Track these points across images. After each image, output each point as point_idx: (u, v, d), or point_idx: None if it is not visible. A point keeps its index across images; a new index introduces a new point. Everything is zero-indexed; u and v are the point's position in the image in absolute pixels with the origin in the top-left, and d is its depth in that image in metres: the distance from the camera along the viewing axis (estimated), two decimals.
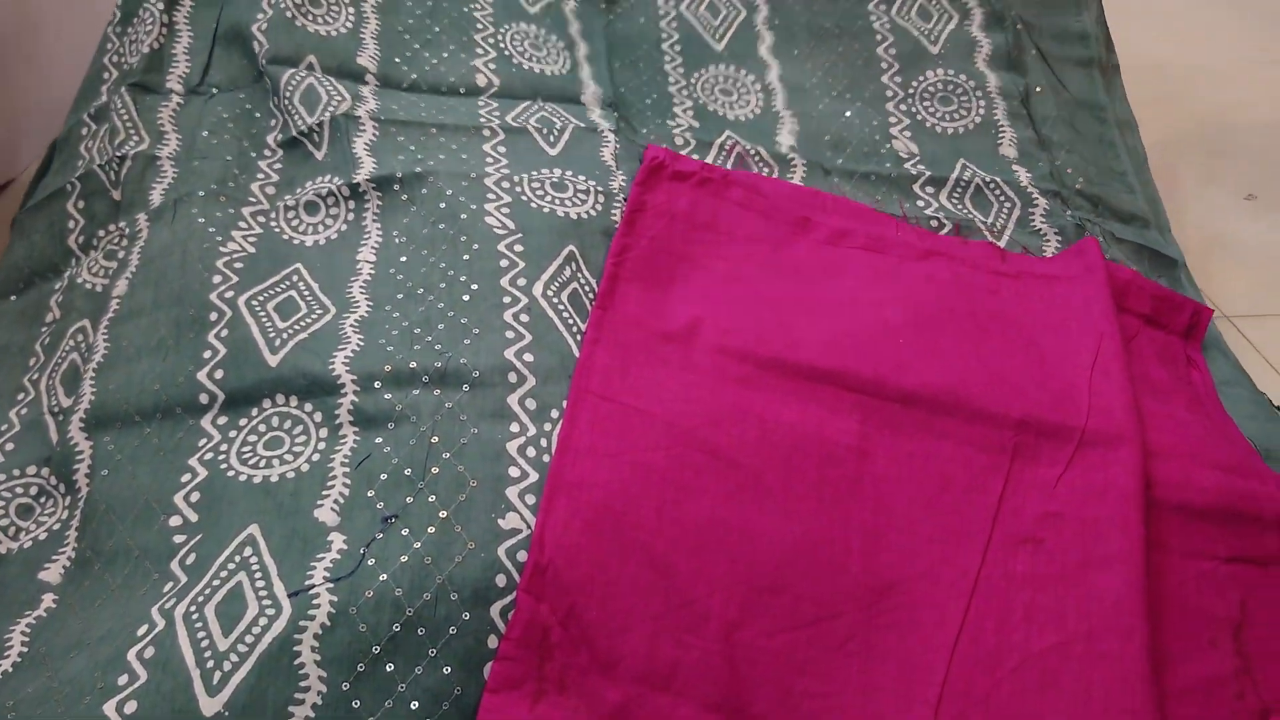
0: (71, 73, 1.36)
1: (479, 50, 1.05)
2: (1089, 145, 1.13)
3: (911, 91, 1.14)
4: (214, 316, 0.81)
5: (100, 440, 0.77)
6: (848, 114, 1.10)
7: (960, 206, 1.03)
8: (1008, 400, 0.80)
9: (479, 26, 1.07)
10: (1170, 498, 0.77)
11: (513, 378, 0.75)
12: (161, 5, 1.05)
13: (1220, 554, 0.76)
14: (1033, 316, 0.90)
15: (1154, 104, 1.63)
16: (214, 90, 1.01)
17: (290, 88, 0.97)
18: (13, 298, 0.96)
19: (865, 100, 1.12)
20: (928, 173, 1.05)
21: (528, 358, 0.76)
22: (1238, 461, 0.80)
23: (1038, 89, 1.15)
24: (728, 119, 1.10)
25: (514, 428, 0.72)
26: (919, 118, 1.12)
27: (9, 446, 0.83)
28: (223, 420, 0.76)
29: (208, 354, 0.79)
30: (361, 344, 0.78)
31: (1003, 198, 1.05)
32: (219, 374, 0.78)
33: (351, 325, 0.80)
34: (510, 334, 0.77)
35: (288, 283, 0.85)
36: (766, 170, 1.04)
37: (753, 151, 1.05)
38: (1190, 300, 0.97)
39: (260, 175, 0.94)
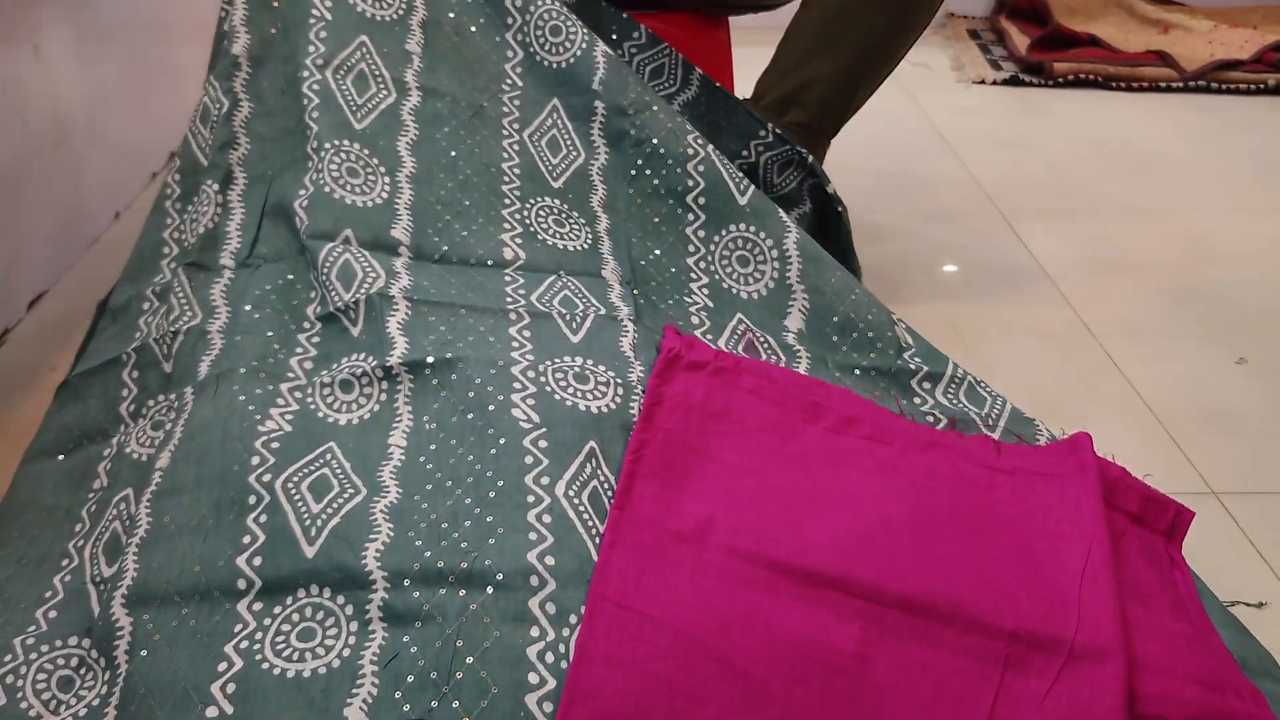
0: (58, 218, 1.43)
1: (506, 225, 1.11)
2: None
3: None
4: (252, 500, 0.85)
5: (140, 618, 0.81)
6: (856, 292, 1.16)
7: (955, 401, 1.09)
8: (1001, 609, 0.85)
9: (506, 202, 1.14)
10: (1151, 712, 0.81)
11: (534, 581, 0.79)
12: (217, 186, 1.11)
13: None
14: (1027, 517, 0.95)
15: (1150, 257, 1.70)
16: (260, 262, 1.07)
17: (328, 265, 1.03)
18: (60, 457, 1.01)
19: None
20: (925, 368, 1.11)
21: (549, 560, 0.80)
22: (1218, 676, 0.84)
23: None
24: (740, 298, 1.15)
25: (534, 632, 0.77)
26: None
27: (52, 614, 0.87)
28: (258, 606, 0.81)
29: (246, 539, 0.83)
30: (392, 534, 0.82)
31: (995, 394, 1.10)
32: (257, 560, 0.82)
33: (382, 511, 0.85)
34: (533, 535, 0.82)
35: (321, 461, 0.90)
36: (774, 359, 1.09)
37: (762, 339, 1.10)
38: (1173, 501, 1.02)
39: (299, 349, 1.00)
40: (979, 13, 2.93)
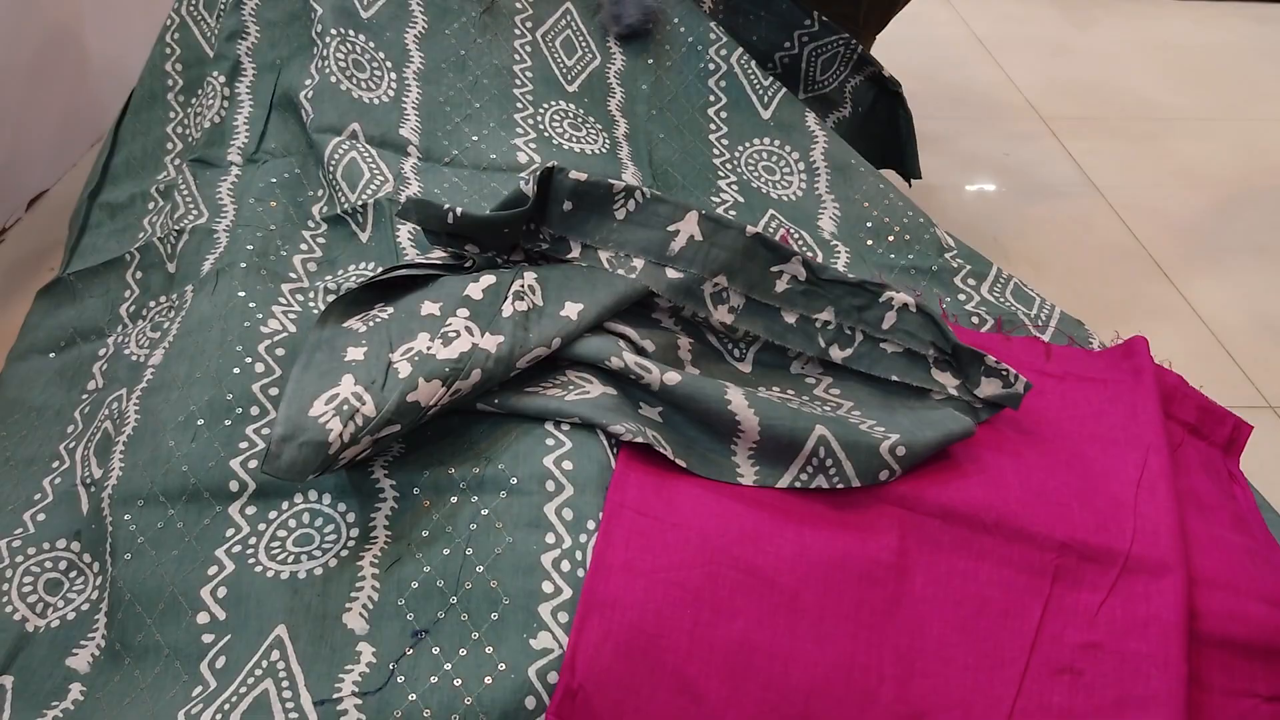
0: (60, 115, 1.37)
1: (519, 130, 1.04)
2: None
3: None
4: (255, 411, 0.80)
5: (121, 519, 0.76)
6: (890, 197, 1.09)
7: (1002, 300, 1.02)
8: (1050, 519, 0.78)
9: (519, 105, 1.06)
10: (1214, 630, 0.75)
11: (550, 486, 0.73)
12: (224, 78, 1.05)
13: (1261, 692, 0.74)
14: (1078, 424, 0.88)
15: (1202, 167, 1.62)
16: (268, 157, 1.01)
17: (334, 161, 0.96)
18: (52, 355, 0.96)
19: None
20: (967, 266, 1.04)
21: (566, 465, 0.75)
22: None
23: None
24: (771, 197, 1.08)
25: (549, 538, 0.71)
26: None
27: (40, 517, 0.83)
28: (251, 510, 0.75)
29: (244, 445, 0.78)
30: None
31: (1043, 297, 1.03)
32: (252, 464, 0.77)
33: None
34: (550, 441, 0.76)
35: None
36: (811, 254, 1.02)
37: (797, 236, 1.04)
38: (1231, 413, 0.95)
39: (303, 247, 0.94)
40: None
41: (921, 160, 1.35)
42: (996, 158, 1.63)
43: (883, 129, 1.33)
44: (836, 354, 0.90)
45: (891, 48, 1.45)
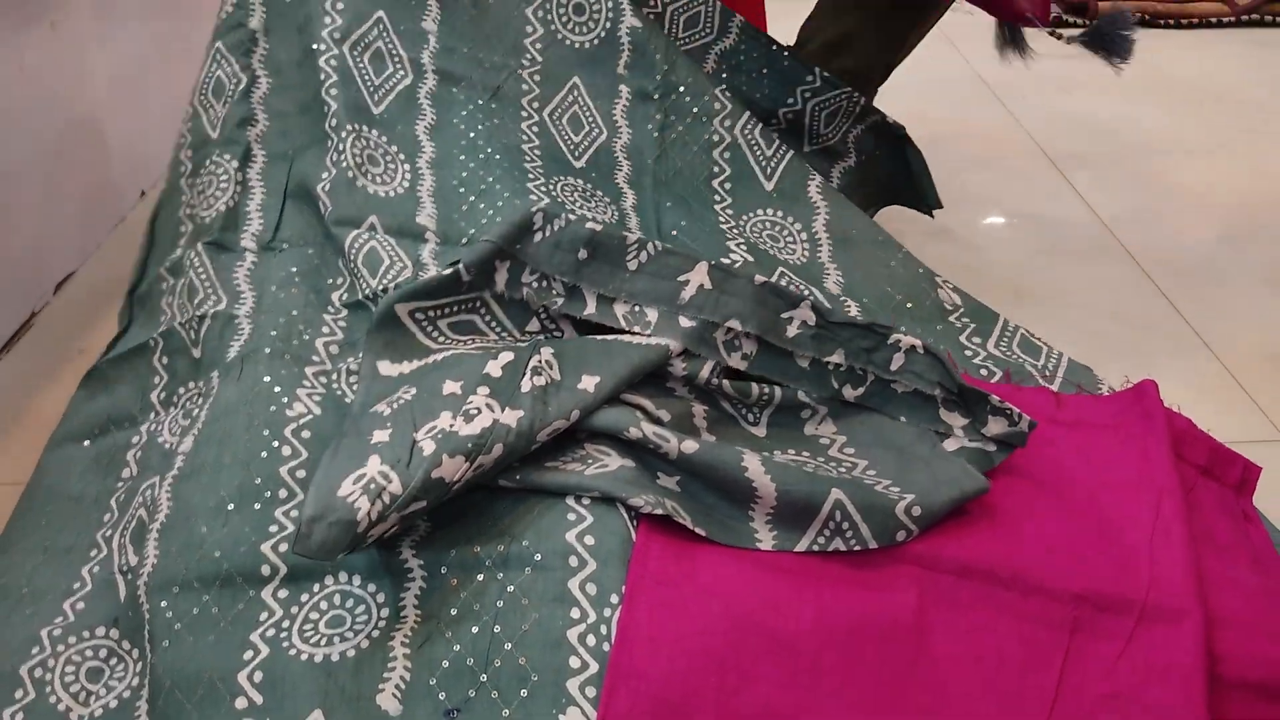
0: (84, 199, 1.40)
1: (533, 198, 1.06)
2: None
3: None
4: (284, 494, 0.82)
5: (158, 606, 0.78)
6: (892, 264, 1.11)
7: (1009, 353, 1.03)
8: (1066, 571, 0.80)
9: (530, 176, 1.09)
10: (1235, 674, 0.76)
11: (574, 561, 0.75)
12: (236, 163, 1.08)
13: None
14: (1091, 472, 0.90)
15: (1208, 199, 1.63)
16: (284, 245, 1.04)
17: (354, 249, 0.99)
18: (87, 443, 0.99)
19: (909, 249, 1.13)
20: (973, 324, 1.06)
21: (589, 540, 0.76)
22: None
23: None
24: (778, 259, 1.11)
25: (574, 613, 0.73)
26: None
27: (80, 605, 0.85)
28: (284, 594, 0.77)
29: (274, 528, 0.80)
30: (429, 528, 0.79)
31: (1050, 346, 1.05)
32: (283, 547, 0.79)
33: None
34: (571, 515, 0.78)
35: None
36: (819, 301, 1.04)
37: (807, 292, 1.06)
38: (1241, 455, 0.96)
39: (325, 330, 0.96)
40: None
41: None
42: (1003, 197, 1.65)
43: (891, 170, 1.36)
44: (849, 393, 0.93)
45: (895, 91, 1.48)
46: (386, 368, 0.89)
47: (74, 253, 1.46)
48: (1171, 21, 2.38)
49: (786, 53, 1.28)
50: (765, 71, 1.27)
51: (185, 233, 1.09)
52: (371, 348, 0.90)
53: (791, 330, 0.92)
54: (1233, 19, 2.37)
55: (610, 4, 1.18)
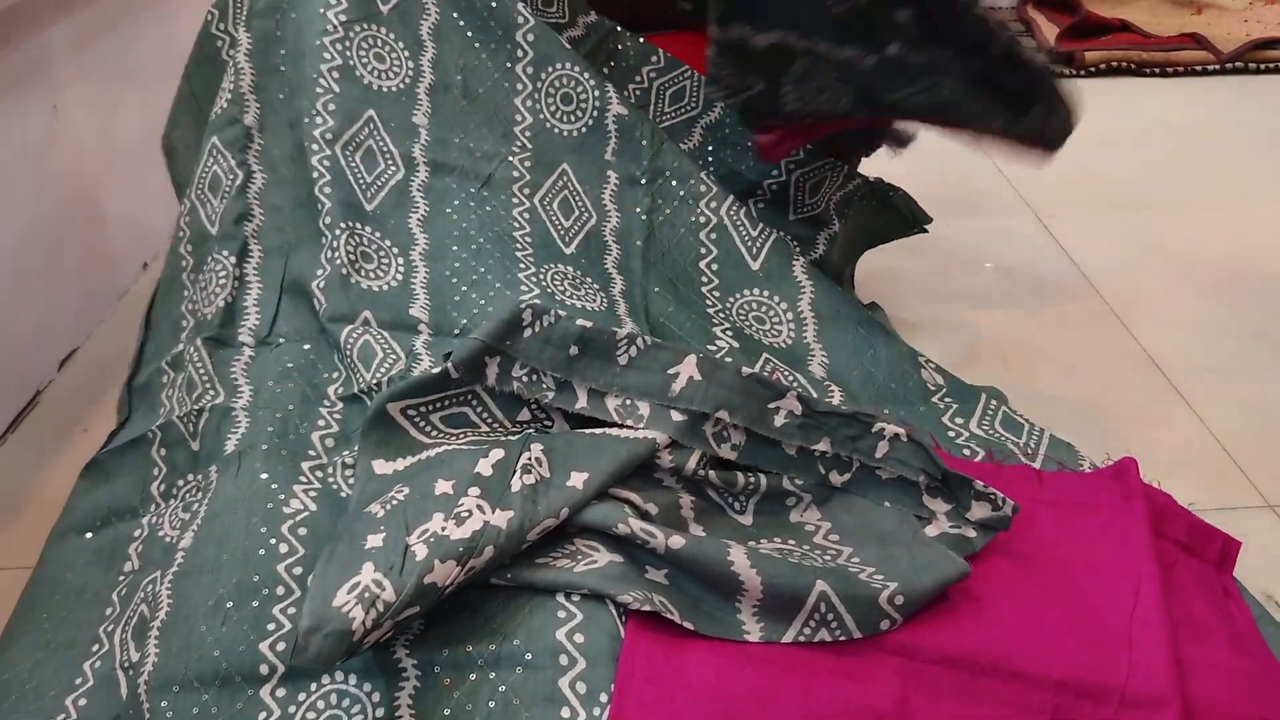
0: (85, 274, 1.43)
1: (524, 288, 1.09)
2: None
3: None
4: (281, 591, 0.84)
5: (158, 705, 0.79)
6: (875, 347, 1.14)
7: (992, 432, 1.06)
8: (1046, 657, 0.82)
9: (521, 266, 1.11)
10: None
11: (564, 660, 0.77)
12: (234, 259, 1.11)
13: None
14: (1072, 553, 0.92)
15: (1194, 253, 1.65)
16: (281, 340, 1.06)
17: (349, 344, 1.02)
18: (89, 535, 1.01)
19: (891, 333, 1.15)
20: (955, 405, 1.08)
21: (578, 639, 0.78)
22: None
23: None
24: (763, 343, 1.13)
25: (565, 713, 0.75)
26: None
27: (82, 702, 0.87)
28: (281, 693, 0.79)
29: (272, 626, 0.82)
30: (423, 625, 0.81)
31: (1032, 423, 1.07)
32: (280, 646, 0.81)
33: None
34: (562, 613, 0.80)
35: None
36: (806, 393, 1.06)
37: (791, 378, 1.08)
38: (1219, 530, 0.98)
39: (321, 424, 0.99)
40: (1005, 3, 2.87)
41: (912, 262, 1.40)
42: (990, 254, 1.67)
43: (872, 218, 1.39)
44: (836, 479, 0.95)
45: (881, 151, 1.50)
46: (381, 466, 0.91)
47: (77, 329, 1.49)
48: (1157, 70, 2.41)
49: None
50: (750, 145, 1.30)
51: (186, 327, 1.11)
52: (365, 447, 0.92)
53: (778, 420, 0.95)
54: (1218, 66, 2.39)
55: (597, 94, 1.21)
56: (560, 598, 0.81)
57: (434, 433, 0.94)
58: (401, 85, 1.16)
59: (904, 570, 0.85)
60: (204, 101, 1.23)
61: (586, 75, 1.22)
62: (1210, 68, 2.40)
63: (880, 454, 0.94)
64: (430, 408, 0.95)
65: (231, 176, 1.14)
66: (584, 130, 1.22)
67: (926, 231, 1.42)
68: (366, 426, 0.93)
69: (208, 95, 1.22)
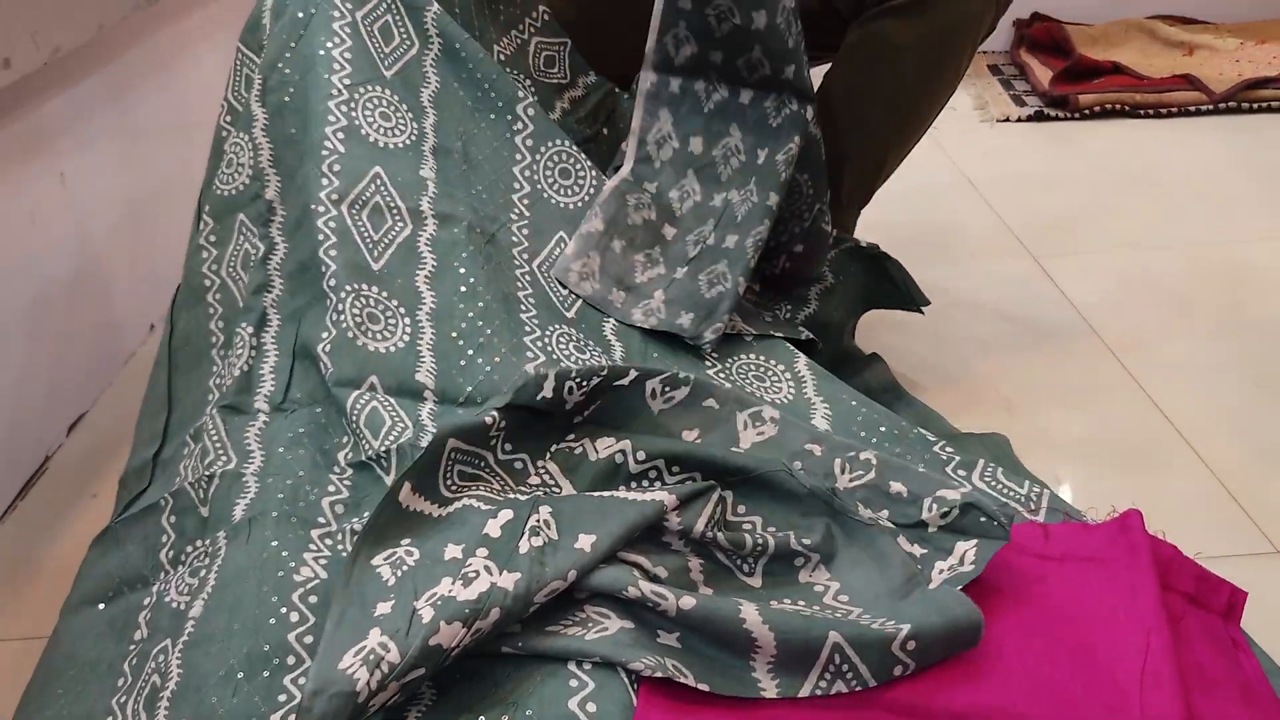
0: (93, 338, 1.44)
1: (529, 353, 1.10)
2: None
3: None
4: (292, 660, 0.85)
5: None
6: (873, 405, 1.15)
7: (994, 484, 1.06)
8: (1057, 715, 0.82)
9: (527, 329, 1.13)
10: None
11: None
12: (252, 329, 1.12)
13: None
14: (1081, 608, 0.92)
15: (1193, 294, 1.66)
16: (295, 406, 1.08)
17: (356, 411, 1.03)
18: (101, 606, 1.01)
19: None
20: (957, 457, 1.09)
21: (590, 708, 0.79)
22: None
23: None
24: (766, 399, 1.14)
25: None
26: None
27: None
28: None
29: (282, 697, 0.83)
30: (434, 697, 0.81)
31: (1033, 477, 1.07)
32: (291, 718, 0.81)
33: None
34: (574, 682, 0.80)
35: None
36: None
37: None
38: (1226, 581, 0.98)
39: (331, 490, 0.99)
40: (999, 47, 2.91)
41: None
42: (990, 300, 1.68)
43: (869, 281, 1.41)
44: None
45: (881, 196, 1.51)
46: (406, 494, 0.92)
47: (85, 393, 1.50)
48: (1150, 111, 2.43)
49: None
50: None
51: (211, 400, 1.12)
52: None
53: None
54: (1211, 106, 2.41)
55: (594, 174, 1.24)
56: (572, 666, 0.81)
57: (453, 486, 0.95)
58: (408, 142, 1.17)
59: (914, 613, 0.86)
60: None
61: (583, 158, 1.26)
62: (1204, 108, 2.41)
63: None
64: (464, 457, 0.96)
65: (256, 251, 1.16)
66: (580, 205, 1.24)
67: (922, 313, 1.44)
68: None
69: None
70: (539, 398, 0.99)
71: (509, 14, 1.31)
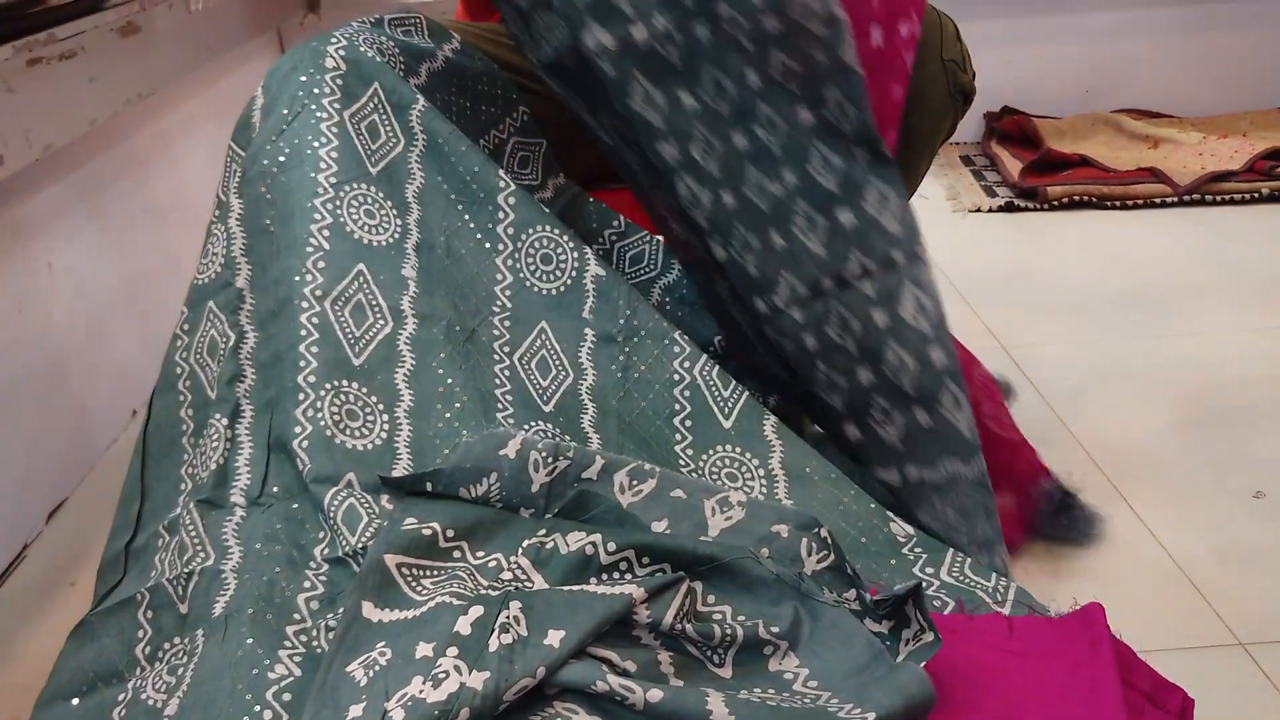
0: (73, 424, 1.45)
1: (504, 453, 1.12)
2: None
3: None
4: None
5: None
6: (844, 502, 1.17)
7: (961, 578, 1.08)
8: None
9: (500, 427, 1.14)
10: None
11: None
12: (226, 421, 1.13)
13: None
14: (1044, 704, 0.94)
15: (1157, 386, 1.69)
16: (272, 501, 1.09)
17: (333, 508, 1.04)
18: (75, 701, 1.02)
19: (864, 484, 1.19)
20: (925, 555, 1.11)
21: None
22: None
23: None
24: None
25: None
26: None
27: None
28: None
29: None
30: None
31: (1000, 571, 1.10)
32: None
33: None
34: None
35: None
36: None
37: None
38: (1179, 687, 1.00)
39: (306, 585, 1.01)
40: (970, 138, 2.98)
41: None
42: None
43: None
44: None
45: None
46: (370, 610, 0.94)
47: (65, 479, 1.51)
48: (1117, 203, 2.49)
49: None
50: (703, 303, 1.36)
51: (184, 490, 1.13)
52: (360, 588, 0.94)
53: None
54: (1176, 198, 2.48)
55: (576, 256, 1.26)
56: None
57: (423, 591, 0.96)
58: (391, 239, 1.19)
59: (877, 697, 0.88)
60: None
61: (566, 238, 1.27)
62: (1169, 200, 2.48)
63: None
64: (423, 572, 0.97)
65: (225, 339, 1.17)
66: (562, 290, 1.26)
67: None
68: (364, 572, 0.95)
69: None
70: (500, 453, 1.02)
71: (489, 114, 1.35)
